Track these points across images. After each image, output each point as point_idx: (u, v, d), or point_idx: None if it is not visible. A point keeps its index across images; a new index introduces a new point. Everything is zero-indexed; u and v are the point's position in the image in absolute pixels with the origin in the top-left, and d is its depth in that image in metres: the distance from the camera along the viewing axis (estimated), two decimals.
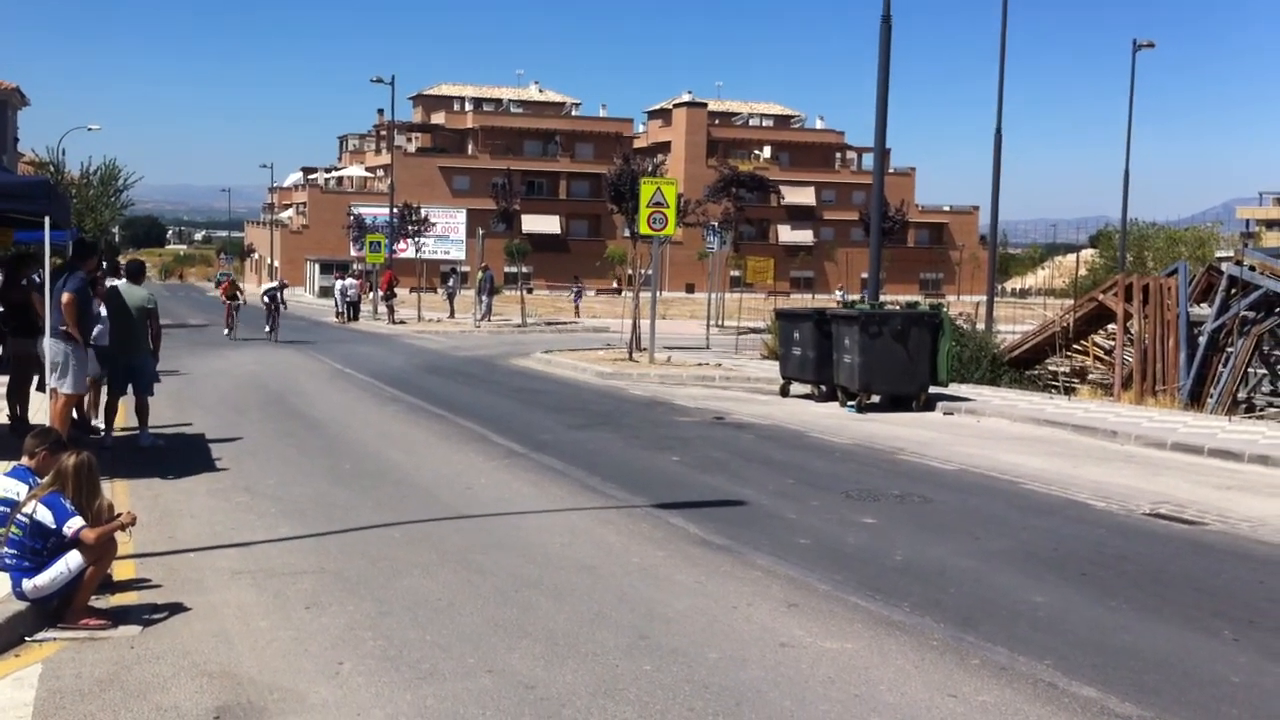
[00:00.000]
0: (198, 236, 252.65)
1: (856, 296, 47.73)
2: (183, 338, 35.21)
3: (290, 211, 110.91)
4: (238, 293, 37.78)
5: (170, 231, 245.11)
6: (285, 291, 46.23)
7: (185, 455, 13.03)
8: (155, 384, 14.08)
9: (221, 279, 64.73)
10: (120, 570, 7.76)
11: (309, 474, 12.08)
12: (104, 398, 14.06)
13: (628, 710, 5.66)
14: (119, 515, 7.13)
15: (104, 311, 13.25)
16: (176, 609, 7.19)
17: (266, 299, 36.73)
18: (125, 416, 14.30)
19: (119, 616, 6.99)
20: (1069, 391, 22.57)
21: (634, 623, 7.06)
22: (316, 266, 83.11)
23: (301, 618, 7.09)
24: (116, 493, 10.35)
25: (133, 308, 13.33)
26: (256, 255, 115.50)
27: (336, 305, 50.38)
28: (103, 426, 13.86)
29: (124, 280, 14.05)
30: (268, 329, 35.45)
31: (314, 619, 7.07)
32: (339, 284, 51.30)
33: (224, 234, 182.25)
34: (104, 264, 15.87)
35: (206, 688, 5.92)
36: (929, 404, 18.75)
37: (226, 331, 36.31)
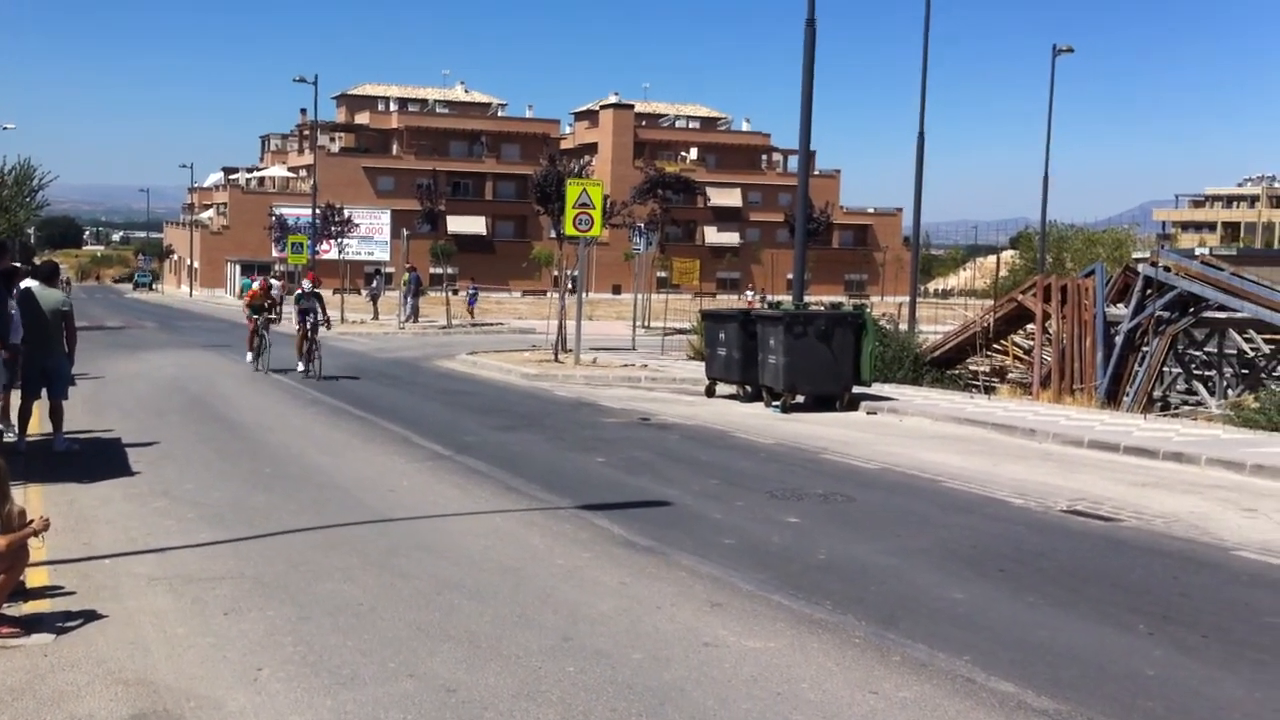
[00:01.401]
0: (115, 237, 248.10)
1: (773, 297, 48.01)
2: (99, 340, 34.59)
3: (211, 212, 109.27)
4: (270, 302, 25.40)
5: (87, 232, 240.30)
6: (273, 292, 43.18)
7: (101, 460, 12.79)
8: (71, 387, 13.80)
9: (249, 285, 56.41)
10: (33, 577, 7.59)
11: (229, 478, 11.91)
12: (16, 401, 13.76)
13: (550, 712, 5.64)
14: (31, 521, 6.97)
15: (16, 314, 12.95)
16: (91, 616, 7.05)
17: (299, 315, 23.90)
18: (40, 421, 14.00)
19: (32, 624, 6.83)
20: (989, 391, 22.89)
21: (557, 624, 7.04)
22: (238, 268, 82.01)
23: (220, 624, 6.99)
24: (30, 498, 10.14)
25: (47, 310, 13.04)
26: (176, 256, 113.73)
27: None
28: (16, 431, 13.56)
29: (37, 282, 13.75)
30: (301, 365, 23.59)
31: (232, 625, 6.97)
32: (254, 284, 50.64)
33: (142, 234, 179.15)
34: (21, 264, 15.50)
35: (122, 696, 5.81)
36: (853, 404, 18.92)
37: (252, 359, 25.30)
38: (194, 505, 10.44)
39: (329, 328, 25.14)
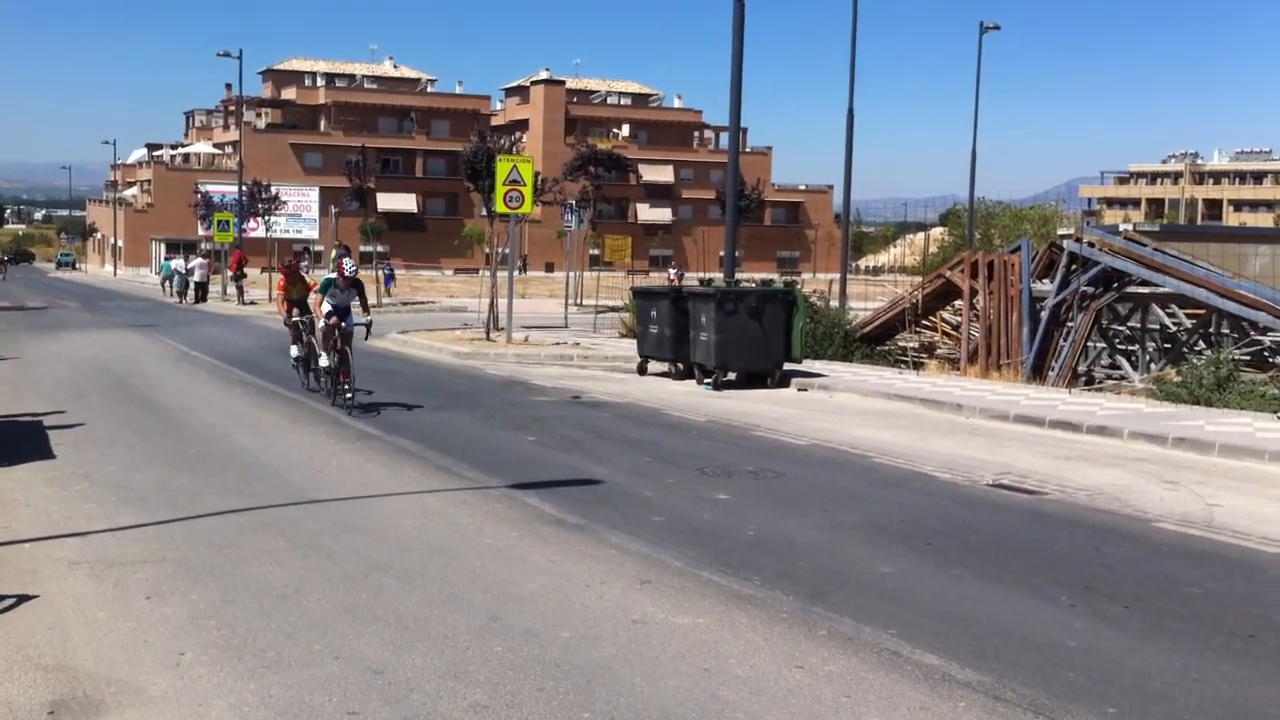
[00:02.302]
0: (38, 215, 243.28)
1: (696, 274, 48.00)
2: (19, 321, 33.91)
3: (135, 190, 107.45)
4: (301, 288, 17.91)
5: (8, 210, 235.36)
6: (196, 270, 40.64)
7: (21, 442, 12.53)
8: None
9: (169, 267, 51.28)
10: None
11: (152, 460, 11.72)
12: None
13: (477, 692, 5.61)
14: None
15: None
16: (10, 601, 6.91)
17: (328, 313, 15.73)
18: None
19: None
20: (918, 366, 23.10)
21: (486, 604, 7.01)
22: (163, 246, 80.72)
23: (142, 608, 6.88)
24: None
25: None
26: (99, 235, 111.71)
27: (172, 286, 49.12)
28: None
29: None
30: (320, 384, 16.69)
31: (155, 609, 6.87)
32: (175, 263, 49.95)
33: (65, 213, 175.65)
34: None
35: (41, 681, 5.70)
36: (784, 380, 19.01)
37: (299, 367, 17.77)
38: (116, 488, 10.27)
39: (367, 334, 16.60)
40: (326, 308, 15.59)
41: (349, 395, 15.44)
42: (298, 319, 17.49)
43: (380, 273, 51.57)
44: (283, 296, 18.14)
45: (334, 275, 15.70)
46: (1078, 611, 7.09)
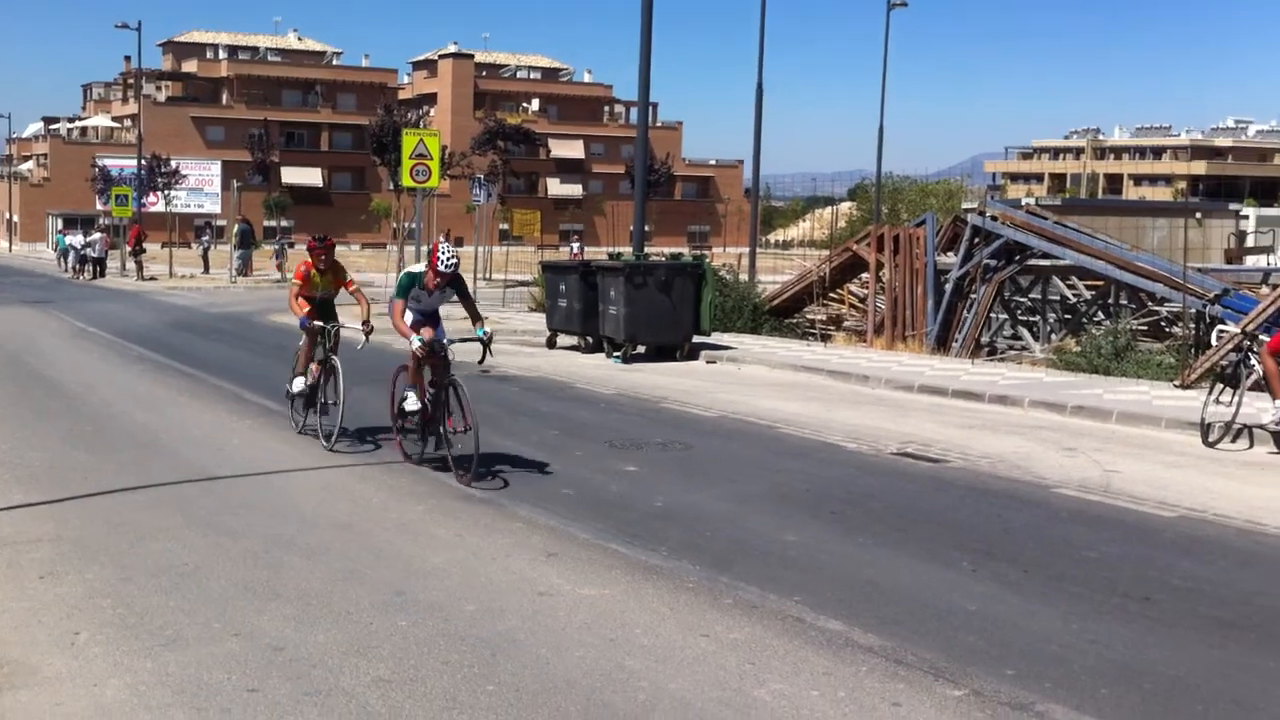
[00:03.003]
0: None
1: (605, 248, 47.94)
2: None
3: (30, 164, 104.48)
4: (345, 286, 12.04)
5: None
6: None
7: None
8: None
9: (64, 242, 48.26)
10: None
11: (46, 438, 11.43)
12: None
13: (381, 667, 5.55)
14: None
15: None
16: None
17: (416, 314, 10.36)
18: None
19: None
20: (825, 339, 23.30)
21: (390, 579, 6.94)
22: (60, 221, 78.70)
23: (36, 588, 6.71)
24: None
25: None
26: None
27: (68, 262, 48.01)
28: None
29: None
30: (423, 433, 10.31)
31: (49, 589, 6.70)
32: (71, 239, 48.78)
33: None
34: None
35: None
36: (693, 353, 19.06)
37: (298, 411, 12.03)
38: (9, 466, 10.00)
39: (484, 358, 10.26)
40: (410, 318, 10.03)
41: (465, 463, 9.56)
42: (321, 325, 11.49)
43: (276, 244, 50.52)
44: (299, 289, 11.80)
45: (419, 269, 10.15)
46: (978, 576, 7.20)
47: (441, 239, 11.40)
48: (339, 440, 11.03)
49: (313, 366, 11.58)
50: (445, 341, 10.15)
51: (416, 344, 9.73)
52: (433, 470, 10.00)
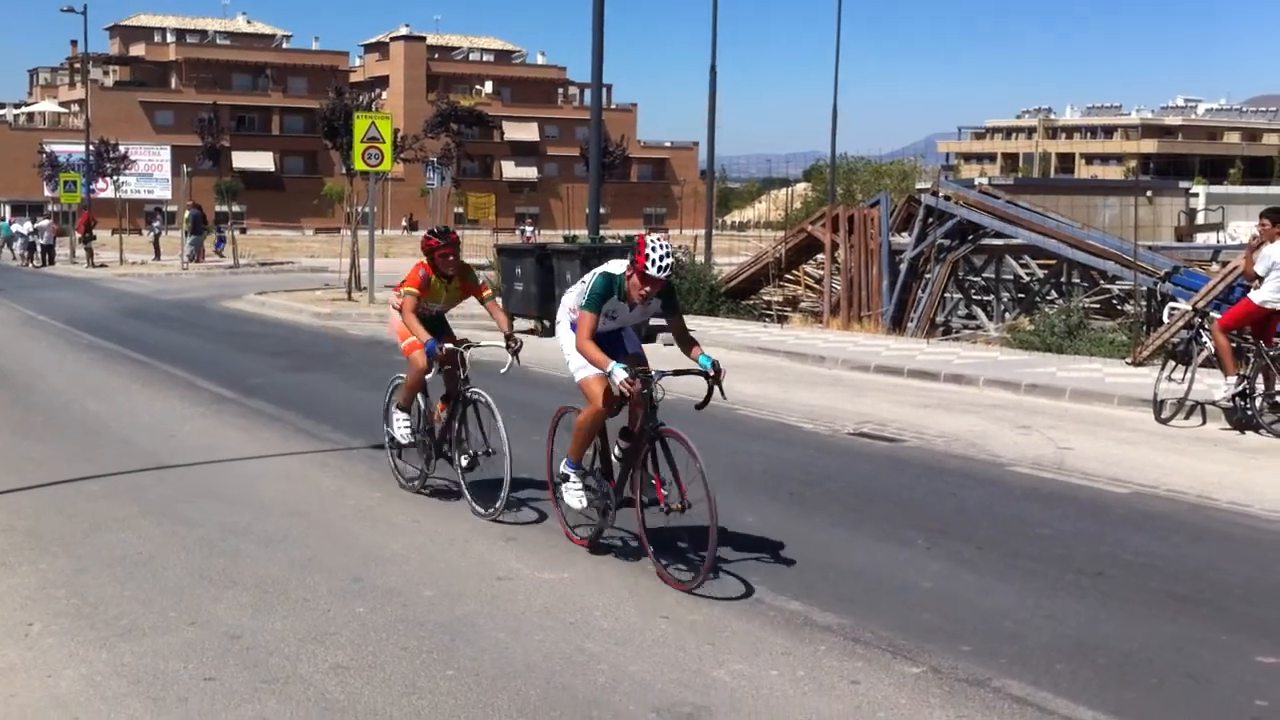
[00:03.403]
0: None
1: (561, 231, 47.82)
2: None
3: None
4: (474, 291, 9.11)
5: None
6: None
7: None
8: None
9: (8, 230, 47.23)
10: None
11: None
12: None
13: (339, 654, 5.53)
14: None
15: None
16: None
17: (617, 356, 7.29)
18: None
19: None
20: (782, 320, 23.37)
21: (348, 566, 6.90)
22: (7, 208, 77.60)
23: None
24: None
25: None
26: None
27: (14, 249, 47.41)
28: None
29: None
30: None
31: (2, 580, 6.64)
32: (16, 226, 48.15)
33: None
34: None
35: None
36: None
37: (409, 460, 9.02)
38: None
39: (709, 398, 7.23)
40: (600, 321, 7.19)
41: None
42: (454, 347, 8.59)
43: (149, 231, 48.90)
44: (415, 301, 8.53)
45: (619, 268, 7.22)
46: (934, 554, 7.26)
47: (650, 234, 7.41)
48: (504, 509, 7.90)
49: (437, 405, 8.84)
50: (646, 378, 6.98)
51: (620, 376, 6.64)
52: (388, 458, 9.92)
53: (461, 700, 5.03)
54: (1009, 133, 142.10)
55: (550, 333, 19.68)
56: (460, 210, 55.12)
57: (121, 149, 49.99)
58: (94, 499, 8.47)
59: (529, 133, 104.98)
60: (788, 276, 26.33)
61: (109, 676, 5.27)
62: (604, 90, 24.67)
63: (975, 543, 7.50)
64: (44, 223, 48.20)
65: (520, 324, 20.66)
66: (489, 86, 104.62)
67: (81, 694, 5.10)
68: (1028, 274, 24.94)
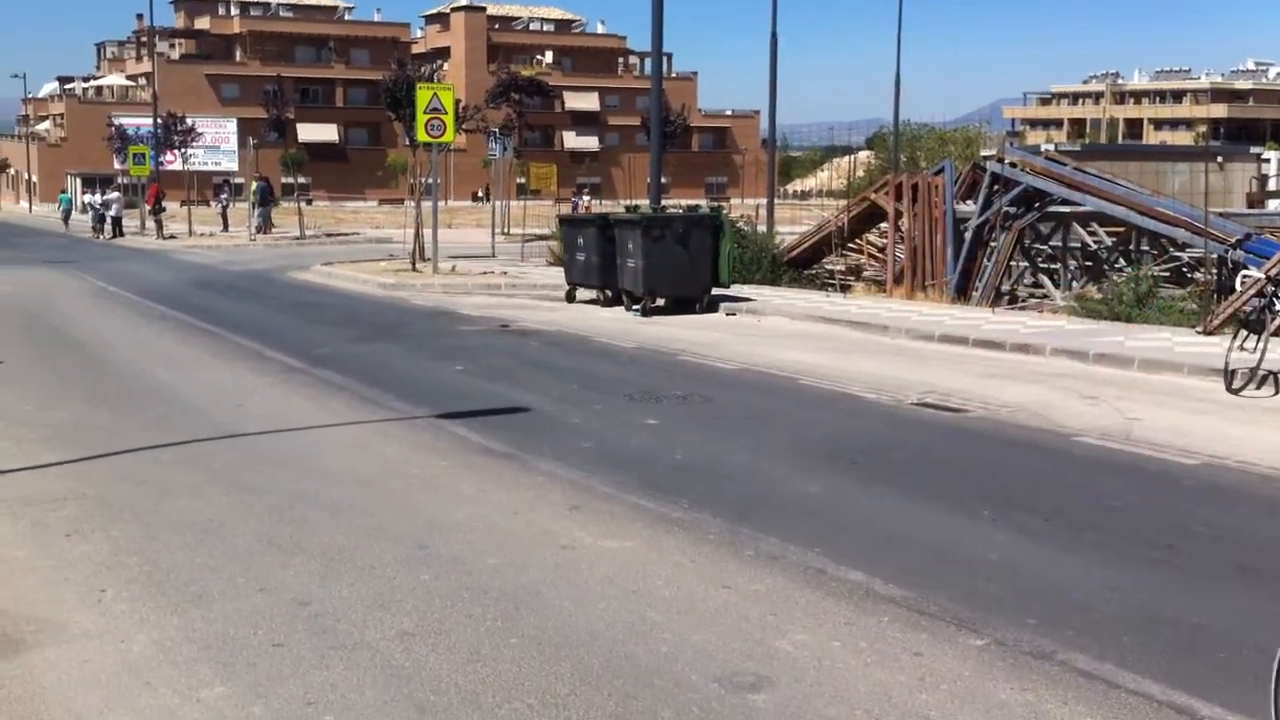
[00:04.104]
0: None
1: (623, 200, 47.78)
2: None
3: (47, 124, 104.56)
4: None
5: None
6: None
7: None
8: None
9: (68, 201, 52.67)
10: None
11: (69, 397, 11.50)
12: None
13: (404, 620, 5.59)
14: None
15: None
16: None
17: None
18: None
19: None
20: (845, 289, 23.21)
21: (413, 534, 6.97)
22: (79, 181, 78.89)
23: (61, 546, 6.76)
24: None
25: None
26: (13, 170, 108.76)
27: (91, 221, 48.22)
28: None
29: None
30: None
31: (75, 547, 6.76)
32: (90, 198, 48.92)
33: None
34: None
35: None
36: (712, 305, 19.02)
37: None
38: (33, 426, 10.07)
39: None
40: None
41: None
42: None
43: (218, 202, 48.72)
44: None
45: None
46: (999, 526, 7.20)
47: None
48: None
49: None
50: None
51: None
52: (451, 427, 10.02)
53: (525, 668, 5.07)
54: (1075, 98, 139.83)
55: (614, 302, 19.73)
56: (522, 180, 55.22)
57: (188, 122, 50.54)
58: (164, 466, 8.62)
59: (590, 102, 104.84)
60: (850, 245, 26.13)
61: (180, 642, 5.37)
62: (664, 59, 24.56)
63: (1041, 514, 7.43)
64: (113, 195, 48.95)
65: (583, 294, 20.73)
66: (549, 56, 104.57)
67: (153, 659, 5.20)
68: (1095, 242, 24.57)
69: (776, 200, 37.26)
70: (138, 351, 14.84)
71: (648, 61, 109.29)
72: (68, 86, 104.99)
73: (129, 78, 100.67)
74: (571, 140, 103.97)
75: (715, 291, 19.19)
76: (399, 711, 4.68)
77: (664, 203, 22.95)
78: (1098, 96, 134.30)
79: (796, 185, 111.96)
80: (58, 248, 40.09)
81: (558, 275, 22.99)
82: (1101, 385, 12.02)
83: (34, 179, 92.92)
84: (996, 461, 8.90)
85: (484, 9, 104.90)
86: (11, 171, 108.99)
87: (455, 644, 5.32)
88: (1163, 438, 9.55)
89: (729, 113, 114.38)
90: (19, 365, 13.56)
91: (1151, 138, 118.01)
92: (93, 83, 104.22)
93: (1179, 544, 6.82)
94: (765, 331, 16.78)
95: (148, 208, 46.52)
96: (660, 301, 19.06)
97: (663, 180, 22.95)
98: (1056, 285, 23.13)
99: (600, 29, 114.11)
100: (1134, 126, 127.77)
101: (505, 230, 41.75)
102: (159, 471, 8.47)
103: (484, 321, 18.02)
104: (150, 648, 5.31)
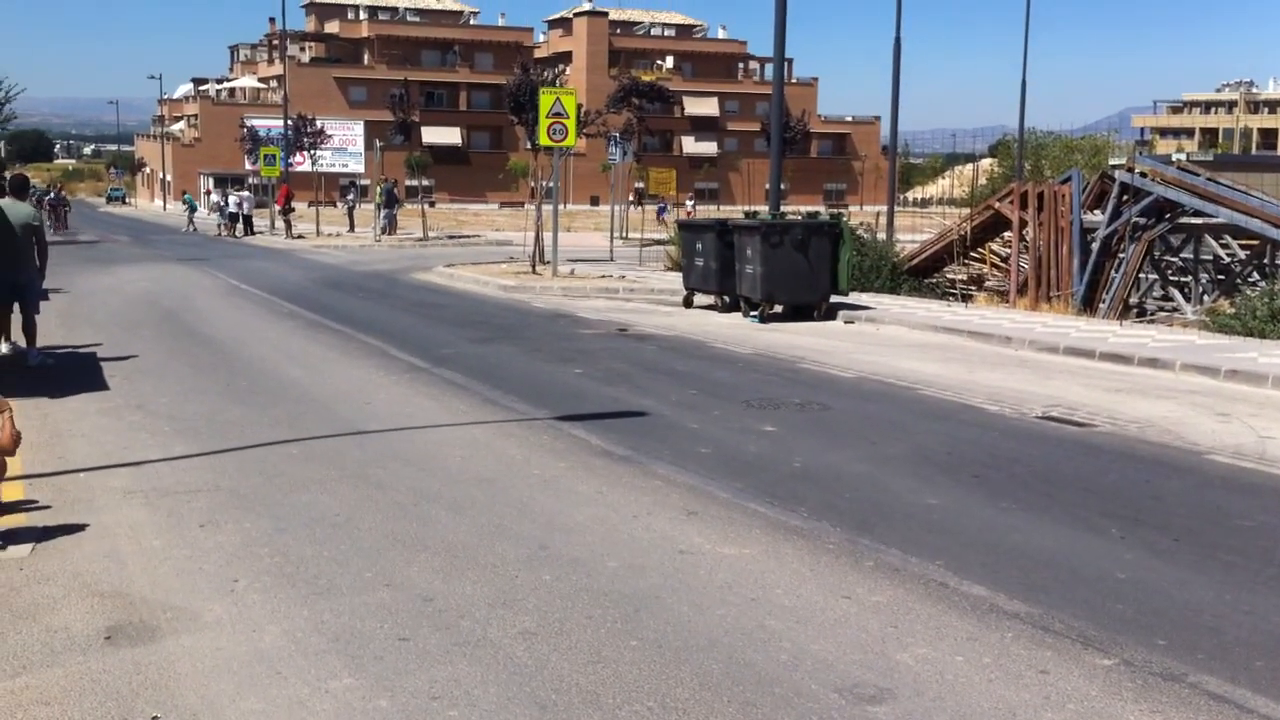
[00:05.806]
0: (87, 150, 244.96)
1: (741, 207, 47.63)
2: (71, 254, 34.25)
3: (181, 124, 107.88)
4: None
5: (58, 145, 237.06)
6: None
7: (75, 374, 12.72)
8: (43, 302, 13.70)
9: (191, 202, 52.53)
10: (8, 491, 7.53)
11: (203, 391, 11.85)
12: None
13: (526, 620, 5.67)
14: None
15: None
16: (67, 530, 7.03)
17: None
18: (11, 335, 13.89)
19: (7, 538, 6.81)
20: (966, 299, 22.91)
21: (534, 534, 7.06)
22: (211, 180, 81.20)
23: (195, 536, 6.98)
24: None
25: (17, 225, 12.89)
26: (148, 169, 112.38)
27: (219, 220, 49.70)
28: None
29: (7, 197, 13.55)
30: None
31: (208, 537, 6.97)
32: (216, 198, 50.41)
33: (114, 148, 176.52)
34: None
35: (98, 608, 5.80)
36: (830, 313, 18.91)
37: None
38: (169, 419, 10.40)
39: None
40: None
41: None
42: None
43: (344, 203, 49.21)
44: None
45: None
46: (1128, 544, 7.05)
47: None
48: None
49: None
50: None
51: None
52: (570, 429, 10.12)
53: (645, 671, 5.10)
54: (1207, 106, 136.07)
55: (732, 308, 19.73)
56: (641, 185, 55.46)
57: (318, 124, 51.74)
58: (294, 461, 8.85)
59: (709, 108, 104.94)
60: (972, 254, 25.80)
61: (309, 633, 5.51)
62: (785, 64, 24.50)
63: (1171, 533, 7.26)
64: (244, 194, 50.33)
65: (700, 299, 20.75)
66: (670, 61, 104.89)
67: (284, 649, 5.34)
68: (1228, 255, 23.90)
69: (896, 208, 36.89)
70: (268, 348, 15.23)
71: (768, 67, 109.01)
72: (202, 88, 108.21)
73: (260, 80, 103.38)
74: (690, 145, 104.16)
75: (834, 299, 19.07)
76: (521, 709, 4.75)
77: (783, 209, 22.86)
78: (1231, 105, 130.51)
79: (916, 192, 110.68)
80: (191, 245, 41.34)
81: (675, 280, 23.05)
82: (1234, 402, 11.70)
83: (168, 178, 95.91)
84: (1124, 478, 8.70)
85: (606, 14, 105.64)
86: (147, 170, 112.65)
87: (576, 644, 5.38)
88: None
89: (849, 119, 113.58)
90: (157, 359, 14.02)
91: None
92: (226, 85, 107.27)
93: None
94: (884, 340, 16.63)
95: (277, 208, 47.70)
96: (778, 308, 19.01)
97: (781, 186, 22.86)
98: (1187, 299, 22.55)
99: (721, 34, 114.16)
100: (1269, 137, 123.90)
101: (623, 235, 42.00)
102: (288, 465, 8.70)
103: (602, 325, 18.15)
104: (281, 638, 5.46)
